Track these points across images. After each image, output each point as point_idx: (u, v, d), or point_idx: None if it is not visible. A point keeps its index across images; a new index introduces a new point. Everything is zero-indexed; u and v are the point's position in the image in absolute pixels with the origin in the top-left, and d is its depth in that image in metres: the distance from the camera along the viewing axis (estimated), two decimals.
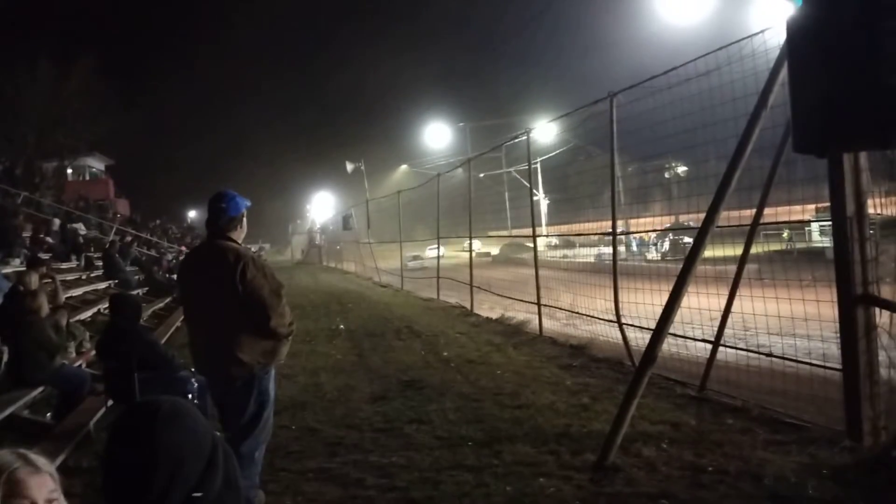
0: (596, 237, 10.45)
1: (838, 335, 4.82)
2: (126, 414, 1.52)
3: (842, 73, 2.79)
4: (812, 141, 2.94)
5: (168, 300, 16.39)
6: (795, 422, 5.25)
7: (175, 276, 18.86)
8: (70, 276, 14.78)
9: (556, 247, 15.76)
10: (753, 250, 6.17)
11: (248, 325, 4.10)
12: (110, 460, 1.44)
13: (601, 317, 8.80)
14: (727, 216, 5.38)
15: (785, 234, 10.21)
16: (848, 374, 4.71)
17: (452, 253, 20.28)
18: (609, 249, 8.62)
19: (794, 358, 5.87)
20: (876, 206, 4.79)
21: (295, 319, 4.46)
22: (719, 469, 4.48)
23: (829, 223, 4.86)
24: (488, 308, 14.13)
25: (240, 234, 4.31)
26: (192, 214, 69.03)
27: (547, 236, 15.03)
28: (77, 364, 7.76)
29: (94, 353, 7.67)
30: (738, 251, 6.20)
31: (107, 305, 11.54)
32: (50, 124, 36.94)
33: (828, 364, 5.40)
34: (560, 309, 10.59)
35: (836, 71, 2.80)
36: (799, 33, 2.94)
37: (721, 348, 6.35)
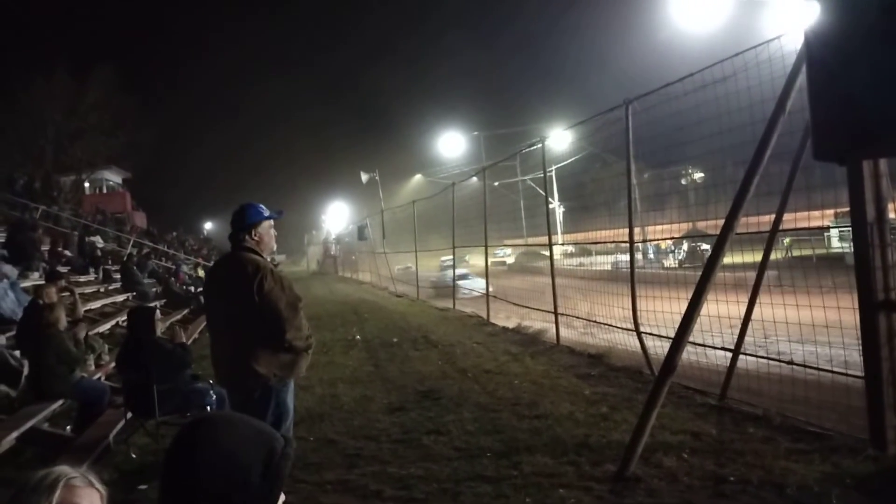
0: (612, 245, 10.41)
1: (860, 342, 4.76)
2: (190, 428, 1.53)
3: (862, 80, 2.76)
4: (832, 148, 2.91)
5: (185, 312, 16.48)
6: (818, 430, 5.19)
7: (192, 288, 19.05)
8: (88, 289, 14.90)
9: (572, 255, 15.72)
10: (771, 257, 6.12)
11: (264, 337, 4.11)
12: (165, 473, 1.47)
13: (619, 325, 8.76)
14: (745, 222, 5.34)
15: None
16: (870, 382, 4.65)
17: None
18: (626, 257, 8.58)
19: (816, 366, 5.81)
20: None
21: (312, 331, 4.46)
22: (741, 479, 4.43)
23: (849, 229, 4.81)
24: (504, 317, 14.11)
25: (262, 245, 4.31)
26: (208, 226, 69.64)
27: (563, 244, 15.00)
28: (96, 377, 7.81)
29: (113, 365, 7.72)
30: (757, 258, 6.15)
31: (125, 318, 11.66)
32: (68, 138, 37.42)
33: (850, 371, 5.34)
34: (577, 318, 10.54)
35: (856, 78, 2.77)
36: (818, 40, 2.92)
37: (741, 356, 6.29)
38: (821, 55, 2.92)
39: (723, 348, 6.60)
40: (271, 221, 4.39)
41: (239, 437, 1.46)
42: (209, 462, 1.39)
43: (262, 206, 4.40)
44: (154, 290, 18.26)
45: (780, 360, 6.18)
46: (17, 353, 7.51)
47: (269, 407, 4.12)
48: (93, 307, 12.95)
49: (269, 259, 4.42)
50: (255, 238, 4.29)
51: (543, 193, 11.77)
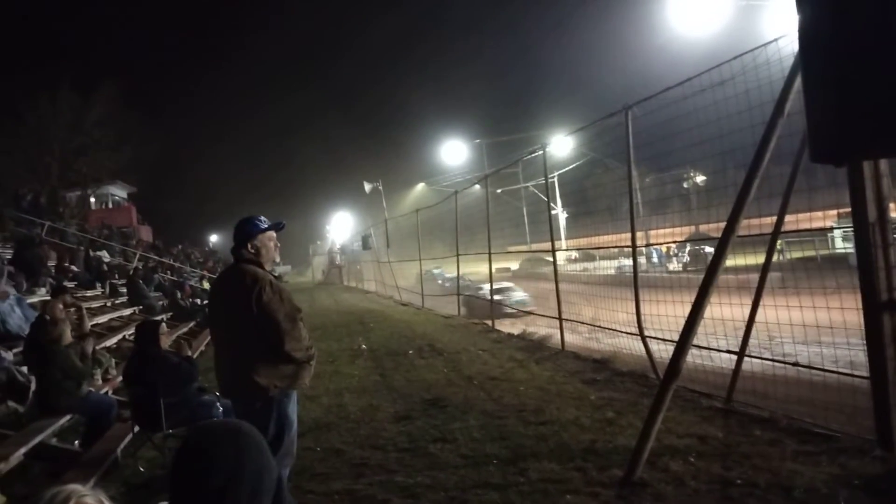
0: (616, 249, 10.41)
1: (865, 342, 4.76)
2: (198, 431, 1.56)
3: (856, 80, 2.77)
4: (829, 150, 2.92)
5: (192, 324, 16.51)
6: (825, 432, 5.18)
7: (198, 301, 19.09)
8: (95, 304, 14.95)
9: (575, 260, 15.71)
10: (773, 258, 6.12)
11: (264, 349, 4.13)
12: (175, 473, 1.50)
13: (624, 330, 8.75)
14: (748, 225, 5.34)
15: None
16: (876, 382, 4.65)
17: (472, 269, 20.28)
18: (629, 261, 8.59)
19: (821, 367, 5.80)
20: None
21: (316, 340, 4.47)
22: (748, 482, 4.42)
23: (852, 229, 4.82)
24: (509, 324, 14.11)
25: (262, 257, 4.34)
26: (213, 238, 69.77)
27: (566, 250, 15.01)
28: (103, 391, 7.83)
29: (120, 379, 7.75)
30: (760, 260, 6.15)
31: (131, 332, 11.68)
32: (72, 154, 37.57)
33: (855, 372, 5.33)
34: (582, 323, 10.54)
35: (851, 78, 2.78)
36: (811, 40, 2.93)
37: (746, 358, 6.29)
38: (815, 56, 2.93)
39: (728, 351, 6.59)
40: (271, 233, 4.42)
41: (257, 449, 1.51)
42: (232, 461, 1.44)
43: (261, 217, 4.43)
44: (160, 303, 18.31)
45: (785, 362, 6.16)
46: (25, 368, 7.54)
47: (270, 418, 4.13)
48: (99, 321, 12.98)
49: (271, 270, 4.45)
50: (253, 250, 4.32)
51: (546, 199, 11.79)
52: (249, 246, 4.31)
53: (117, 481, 5.53)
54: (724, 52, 6.60)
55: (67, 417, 6.78)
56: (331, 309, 23.98)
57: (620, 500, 4.38)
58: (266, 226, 4.40)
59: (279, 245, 4.50)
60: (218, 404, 5.93)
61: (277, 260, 4.53)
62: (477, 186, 18.43)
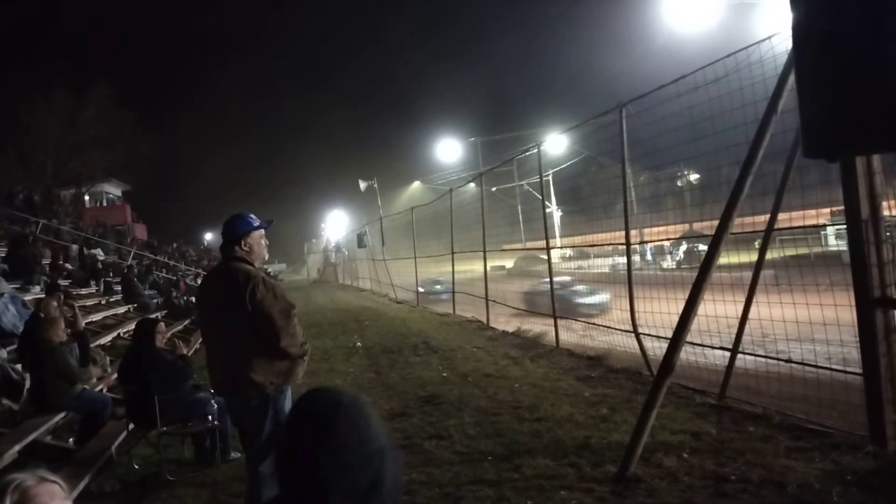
0: (610, 247, 10.42)
1: (857, 339, 4.78)
2: (310, 397, 1.59)
3: (849, 76, 2.78)
4: (822, 145, 2.93)
5: (186, 322, 16.49)
6: (818, 428, 5.21)
7: (193, 299, 19.07)
8: (90, 302, 14.93)
9: (570, 258, 15.72)
10: (769, 256, 6.14)
11: (259, 346, 4.11)
12: (287, 436, 1.54)
13: (617, 327, 8.77)
14: (741, 222, 5.35)
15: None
16: (869, 379, 4.67)
17: (467, 267, 20.28)
18: (624, 259, 8.61)
19: (814, 363, 5.82)
20: (891, 209, 4.77)
21: (311, 338, 4.47)
22: (742, 478, 4.44)
23: (845, 227, 4.83)
24: (504, 321, 14.11)
25: (253, 255, 4.32)
26: (208, 237, 69.67)
27: (561, 248, 15.03)
28: (98, 389, 7.82)
29: (115, 377, 7.74)
30: (753, 257, 6.17)
31: (126, 330, 11.68)
32: (67, 152, 37.42)
33: (848, 369, 5.35)
34: (576, 320, 10.56)
35: (844, 74, 2.79)
36: (804, 37, 2.94)
37: (739, 355, 6.31)
38: (808, 52, 2.94)
39: (721, 348, 6.61)
40: (262, 231, 4.39)
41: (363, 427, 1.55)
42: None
43: (252, 215, 4.41)
44: (155, 301, 18.28)
45: (778, 359, 6.18)
46: (19, 366, 7.53)
47: (266, 415, 4.12)
48: (94, 319, 12.96)
49: (261, 268, 4.43)
50: (246, 248, 4.30)
51: (541, 198, 11.80)
52: (242, 243, 4.28)
53: (112, 478, 5.53)
54: (718, 49, 6.60)
55: (62, 415, 6.78)
56: (326, 307, 23.98)
57: (614, 495, 4.40)
58: (258, 223, 4.39)
59: (268, 243, 4.49)
60: (213, 401, 5.93)
61: (266, 258, 4.52)
62: (472, 185, 18.42)
